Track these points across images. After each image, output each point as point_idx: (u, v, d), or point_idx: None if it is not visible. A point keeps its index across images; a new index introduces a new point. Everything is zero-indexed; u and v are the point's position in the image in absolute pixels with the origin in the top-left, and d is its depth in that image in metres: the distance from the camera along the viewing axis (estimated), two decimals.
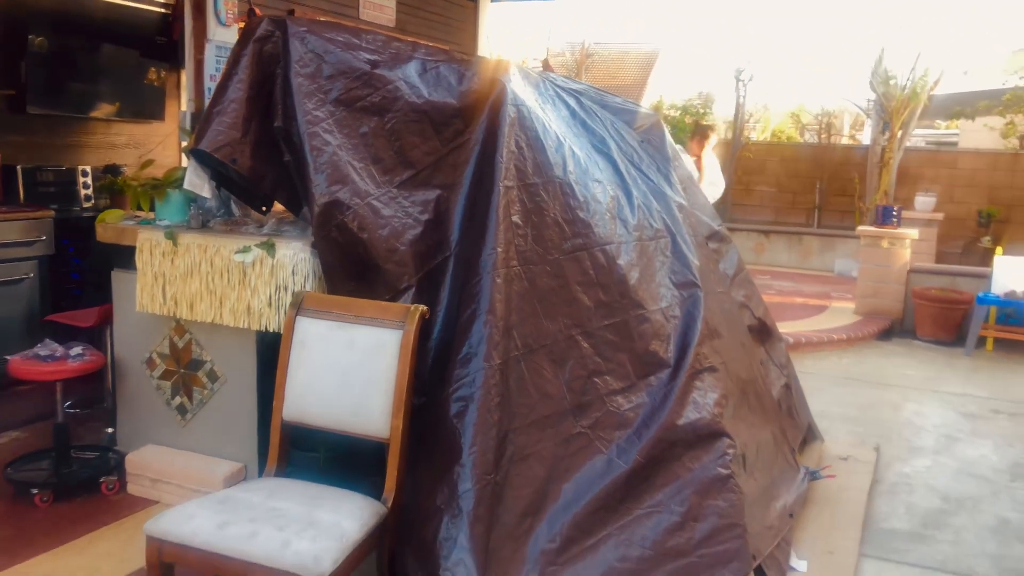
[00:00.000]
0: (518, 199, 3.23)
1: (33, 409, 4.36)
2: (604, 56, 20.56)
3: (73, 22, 5.62)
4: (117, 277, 3.68)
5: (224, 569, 2.46)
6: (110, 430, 4.06)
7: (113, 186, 5.64)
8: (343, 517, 2.52)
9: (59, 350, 3.47)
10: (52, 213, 4.94)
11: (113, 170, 5.82)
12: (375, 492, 2.73)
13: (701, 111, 12.69)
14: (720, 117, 15.26)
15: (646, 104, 9.41)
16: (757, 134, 15.35)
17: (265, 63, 3.14)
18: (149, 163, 4.04)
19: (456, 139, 3.33)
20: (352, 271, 3.09)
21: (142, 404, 3.65)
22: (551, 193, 3.37)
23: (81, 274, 5.38)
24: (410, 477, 2.83)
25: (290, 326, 2.89)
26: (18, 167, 5.24)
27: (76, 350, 3.49)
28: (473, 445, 2.76)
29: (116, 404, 3.78)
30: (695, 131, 7.62)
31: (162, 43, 6.18)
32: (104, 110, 5.94)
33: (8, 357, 3.47)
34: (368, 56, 3.27)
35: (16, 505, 3.39)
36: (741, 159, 13.03)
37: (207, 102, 3.66)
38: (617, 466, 3.05)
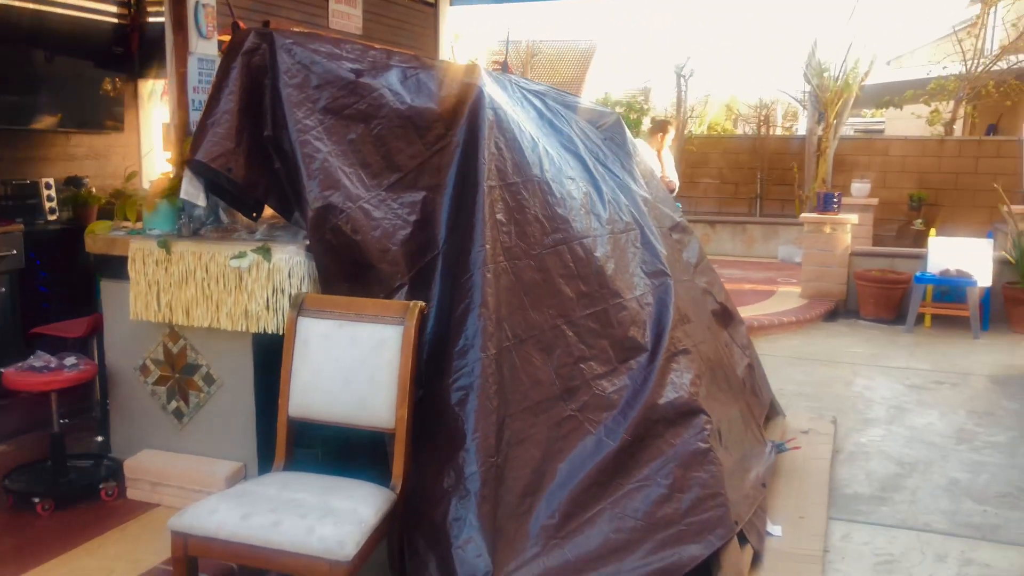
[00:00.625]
0: (501, 198, 3.41)
1: (17, 422, 4.37)
2: (544, 54, 20.84)
3: (26, 34, 5.60)
4: (106, 287, 3.74)
5: (251, 558, 2.59)
6: (99, 439, 4.12)
7: (77, 198, 5.66)
8: (358, 504, 2.67)
9: (53, 361, 3.53)
10: (21, 227, 4.94)
11: (75, 182, 5.81)
12: (375, 483, 2.87)
13: (645, 107, 13.01)
14: (661, 111, 15.66)
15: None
16: (695, 127, 15.77)
17: (254, 75, 3.25)
18: (133, 175, 4.11)
19: (438, 143, 3.49)
20: (347, 272, 3.22)
21: (137, 410, 3.71)
22: (531, 191, 3.55)
23: (48, 287, 5.38)
24: (413, 465, 2.98)
25: (292, 326, 3.02)
26: None
27: (70, 360, 3.55)
28: (476, 431, 2.93)
29: (109, 412, 3.84)
30: (653, 127, 7.91)
31: (118, 53, 6.18)
32: (62, 122, 5.92)
33: (2, 370, 3.51)
34: (350, 65, 3.40)
35: (17, 515, 3.44)
36: (685, 152, 13.38)
37: (191, 114, 3.76)
38: (606, 445, 3.25)
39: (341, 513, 2.59)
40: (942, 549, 3.53)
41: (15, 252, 4.85)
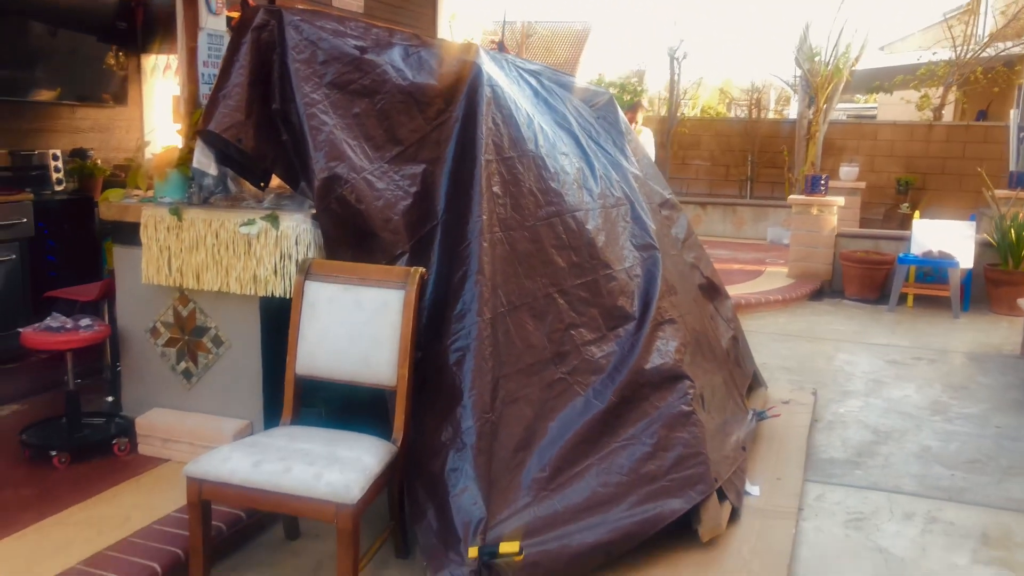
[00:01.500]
0: (497, 171, 3.58)
1: (29, 384, 4.55)
2: (539, 35, 20.91)
3: (32, 8, 5.72)
4: (118, 252, 3.90)
5: (262, 502, 2.77)
6: (110, 399, 4.30)
7: (83, 170, 5.80)
8: (362, 453, 2.85)
9: (68, 322, 3.69)
10: (31, 197, 5.08)
11: (80, 154, 5.96)
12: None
13: (639, 88, 13.15)
14: (655, 93, 15.80)
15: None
16: (688, 109, 15.93)
17: (263, 50, 3.40)
18: (144, 145, 4.24)
19: (438, 118, 3.65)
20: (351, 239, 3.40)
21: (147, 371, 3.88)
22: (526, 165, 3.72)
23: (56, 255, 5.53)
24: (413, 421, 3.17)
25: (300, 290, 3.19)
26: None
27: (85, 321, 3.71)
28: (472, 388, 3.12)
29: (120, 373, 4.01)
30: (626, 108, 8.24)
31: (122, 28, 6.30)
32: (68, 95, 6.05)
33: (20, 330, 3.67)
34: (355, 42, 3.56)
35: (36, 468, 3.61)
36: (677, 134, 13.55)
37: (200, 87, 3.91)
38: (594, 406, 3.44)
39: (347, 461, 2.77)
40: (910, 508, 3.74)
41: (25, 221, 5.00)
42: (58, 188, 5.72)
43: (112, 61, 6.35)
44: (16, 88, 5.65)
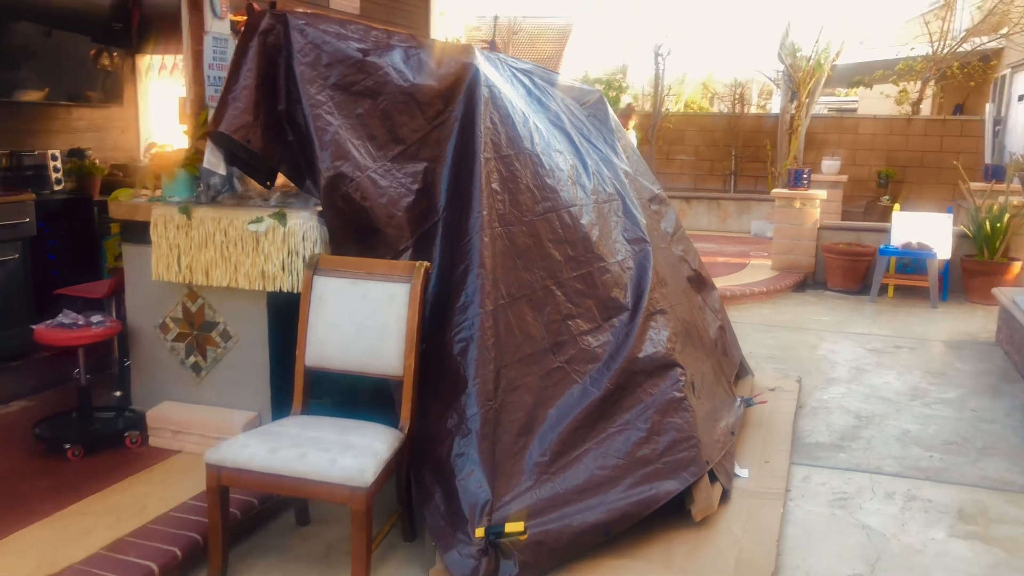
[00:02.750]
0: (496, 169, 3.72)
1: (38, 380, 4.66)
2: (523, 31, 21.02)
3: (27, 9, 5.79)
4: (128, 251, 4.01)
5: (278, 487, 2.91)
6: (118, 393, 4.41)
7: (80, 169, 5.89)
8: (373, 440, 3.00)
9: (80, 319, 3.80)
10: (33, 196, 5.17)
11: (78, 154, 6.04)
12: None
13: (623, 85, 13.31)
14: (638, 89, 15.98)
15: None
16: (671, 105, 16.09)
17: (269, 53, 3.52)
18: (152, 146, 4.35)
19: (438, 117, 3.78)
20: (356, 235, 3.53)
21: (157, 365, 4.00)
22: (523, 163, 3.87)
23: (56, 254, 5.63)
24: (419, 410, 3.31)
25: (308, 284, 3.32)
26: None
27: (96, 318, 3.83)
28: (476, 377, 3.27)
29: (130, 367, 4.12)
30: (620, 113, 8.39)
31: (118, 29, 6.38)
32: (64, 96, 6.13)
33: (33, 327, 3.78)
34: (357, 45, 3.68)
35: (49, 460, 3.73)
36: (661, 129, 13.72)
37: (206, 89, 4.03)
38: (591, 393, 3.59)
39: (359, 447, 2.92)
40: (890, 488, 3.92)
41: (27, 220, 5.09)
42: (57, 188, 5.80)
43: (107, 62, 6.44)
44: (12, 89, 5.73)
